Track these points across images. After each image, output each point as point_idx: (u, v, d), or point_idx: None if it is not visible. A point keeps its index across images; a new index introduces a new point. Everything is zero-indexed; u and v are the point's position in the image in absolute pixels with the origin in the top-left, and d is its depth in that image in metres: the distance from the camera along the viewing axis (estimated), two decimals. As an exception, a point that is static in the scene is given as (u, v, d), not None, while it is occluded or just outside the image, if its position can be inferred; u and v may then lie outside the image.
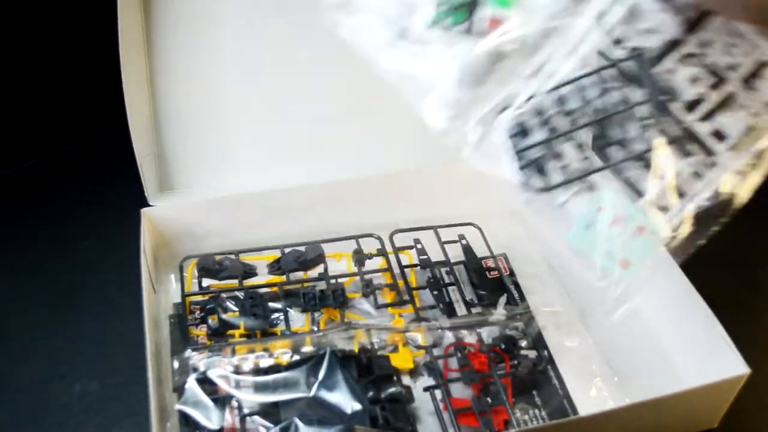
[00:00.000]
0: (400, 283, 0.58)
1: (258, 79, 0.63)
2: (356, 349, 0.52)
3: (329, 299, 0.56)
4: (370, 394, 0.48)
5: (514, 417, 0.50)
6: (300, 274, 0.60)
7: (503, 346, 0.54)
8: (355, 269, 0.60)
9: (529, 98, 0.39)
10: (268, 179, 0.65)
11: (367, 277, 0.59)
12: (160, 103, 0.64)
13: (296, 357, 0.50)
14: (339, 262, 0.61)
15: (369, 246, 0.61)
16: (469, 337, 0.55)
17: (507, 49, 0.40)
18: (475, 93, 0.40)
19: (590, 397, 0.54)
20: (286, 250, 0.61)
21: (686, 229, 0.39)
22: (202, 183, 0.66)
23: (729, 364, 0.49)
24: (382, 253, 0.61)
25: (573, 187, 0.40)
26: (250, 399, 0.48)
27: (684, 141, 0.38)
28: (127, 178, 0.62)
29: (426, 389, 0.51)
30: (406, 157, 0.66)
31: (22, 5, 0.69)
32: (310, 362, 0.50)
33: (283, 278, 0.59)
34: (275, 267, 0.60)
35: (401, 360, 0.52)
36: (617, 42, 0.40)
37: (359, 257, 0.60)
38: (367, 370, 0.50)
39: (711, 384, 0.48)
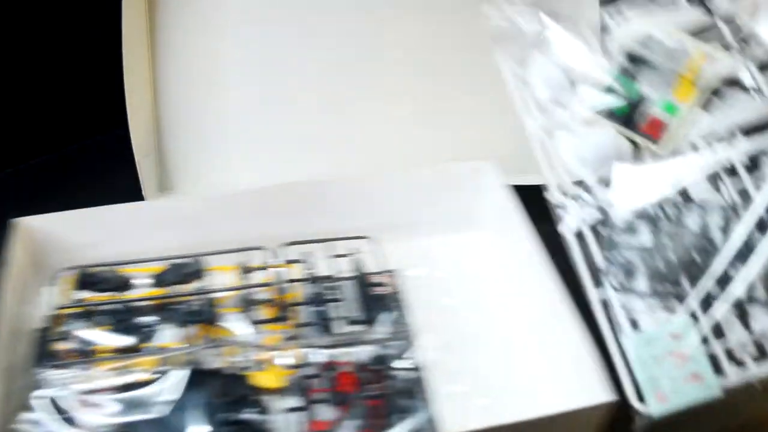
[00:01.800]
0: (287, 296, 0.57)
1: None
2: (222, 367, 0.50)
3: (202, 314, 0.55)
4: (225, 415, 0.47)
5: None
6: (183, 288, 0.58)
7: (376, 365, 0.53)
8: (242, 283, 0.58)
9: None
10: (265, 177, 0.64)
11: (254, 291, 0.58)
12: (161, 104, 0.63)
13: (157, 375, 0.49)
14: (225, 275, 0.60)
15: (259, 259, 0.60)
16: (345, 356, 0.53)
17: None
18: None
19: (460, 416, 0.52)
20: (172, 263, 0.59)
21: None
22: (202, 183, 0.65)
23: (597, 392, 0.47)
24: (268, 266, 0.59)
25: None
26: (105, 419, 0.47)
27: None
28: (127, 177, 0.61)
29: (289, 410, 0.49)
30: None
31: (23, 5, 0.69)
32: (170, 381, 0.48)
33: (166, 290, 0.58)
34: (159, 280, 0.59)
35: (268, 379, 0.51)
36: None
37: (245, 271, 0.59)
38: (228, 389, 0.49)
39: (576, 410, 0.47)
